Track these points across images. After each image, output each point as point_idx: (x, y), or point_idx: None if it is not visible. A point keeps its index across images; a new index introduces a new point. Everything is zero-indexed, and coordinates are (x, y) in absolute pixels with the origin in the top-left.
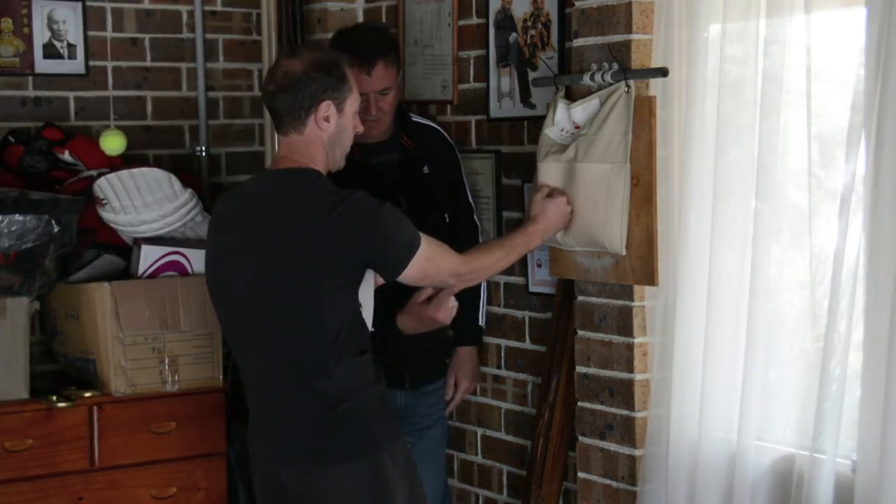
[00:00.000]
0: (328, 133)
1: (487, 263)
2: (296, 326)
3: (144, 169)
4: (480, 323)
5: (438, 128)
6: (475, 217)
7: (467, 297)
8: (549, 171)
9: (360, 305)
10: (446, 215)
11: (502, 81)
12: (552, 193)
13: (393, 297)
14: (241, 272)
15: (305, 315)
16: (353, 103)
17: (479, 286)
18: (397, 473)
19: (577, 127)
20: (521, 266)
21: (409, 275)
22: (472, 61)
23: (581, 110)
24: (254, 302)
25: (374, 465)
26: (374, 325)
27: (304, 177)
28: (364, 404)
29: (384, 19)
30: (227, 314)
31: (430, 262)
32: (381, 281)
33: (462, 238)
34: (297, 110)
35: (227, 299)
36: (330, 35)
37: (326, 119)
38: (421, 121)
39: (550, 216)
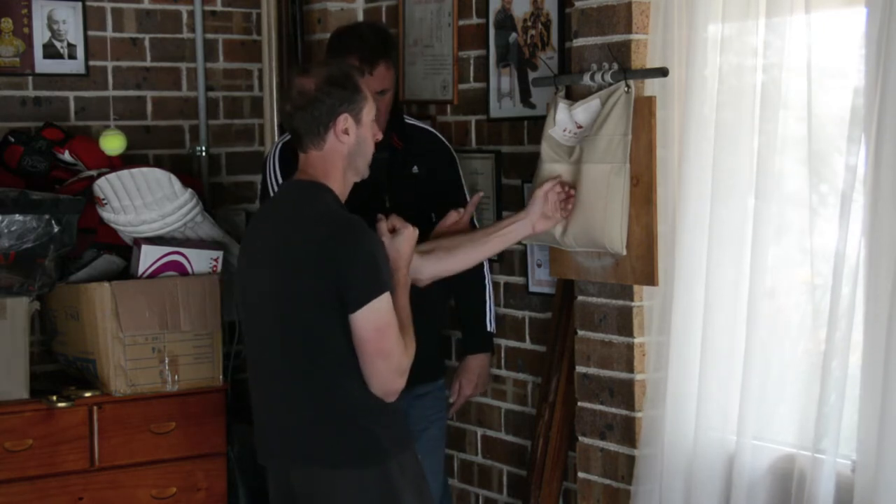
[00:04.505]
0: (348, 145)
1: (411, 349)
2: (306, 337)
3: (144, 169)
4: (490, 328)
5: (434, 131)
6: (475, 221)
7: (473, 302)
8: (551, 172)
9: None
10: (433, 215)
11: (502, 81)
12: (394, 229)
13: None
14: (257, 281)
15: (314, 325)
16: (369, 112)
17: (483, 289)
18: (406, 483)
19: (580, 127)
20: (521, 266)
21: (362, 320)
22: (472, 61)
23: (582, 111)
24: (267, 310)
25: (381, 473)
26: None
27: (313, 192)
28: (375, 412)
29: (384, 19)
30: (244, 319)
31: (389, 325)
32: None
33: None
34: (316, 127)
35: (245, 305)
36: (329, 35)
37: (345, 132)
38: (415, 122)
39: (406, 252)
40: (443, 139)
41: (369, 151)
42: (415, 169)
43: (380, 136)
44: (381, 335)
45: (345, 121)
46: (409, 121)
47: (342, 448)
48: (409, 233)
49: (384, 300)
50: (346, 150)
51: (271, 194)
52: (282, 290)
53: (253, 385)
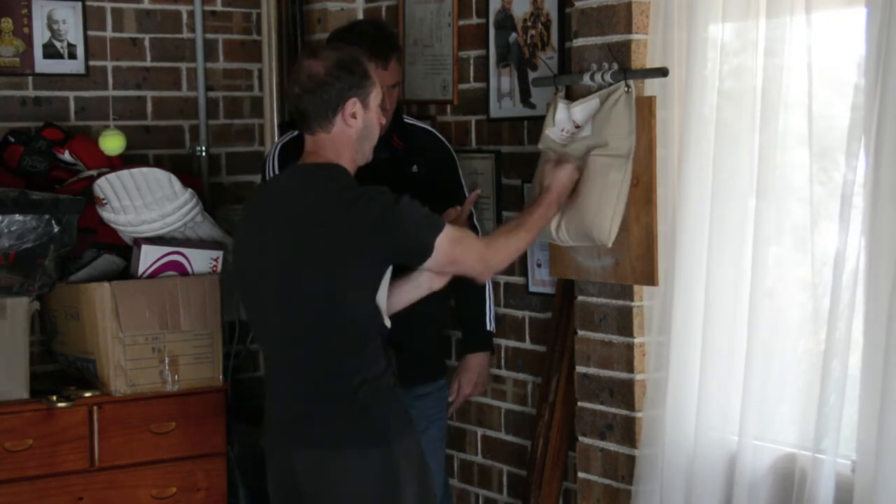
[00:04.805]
0: (356, 129)
1: (513, 247)
2: (316, 318)
3: (144, 169)
4: (489, 328)
5: (433, 130)
6: (475, 221)
7: (473, 301)
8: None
9: (376, 294)
10: None
11: (502, 81)
12: (560, 161)
13: None
14: (264, 263)
15: (326, 308)
16: (376, 97)
17: (484, 288)
18: (408, 467)
19: (578, 126)
20: (521, 266)
21: (437, 259)
22: (472, 61)
23: (581, 110)
24: (276, 292)
25: (385, 456)
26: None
27: (328, 172)
28: (380, 396)
29: (384, 19)
30: (250, 302)
31: (454, 247)
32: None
33: None
34: (325, 110)
35: (250, 288)
36: (328, 36)
37: (353, 116)
38: (414, 122)
39: (562, 182)
40: (442, 139)
41: (375, 136)
42: (415, 168)
43: (384, 121)
44: (455, 260)
45: (353, 105)
46: (409, 120)
47: (351, 433)
48: (572, 168)
49: (440, 240)
50: (354, 133)
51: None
52: (290, 271)
53: (266, 372)
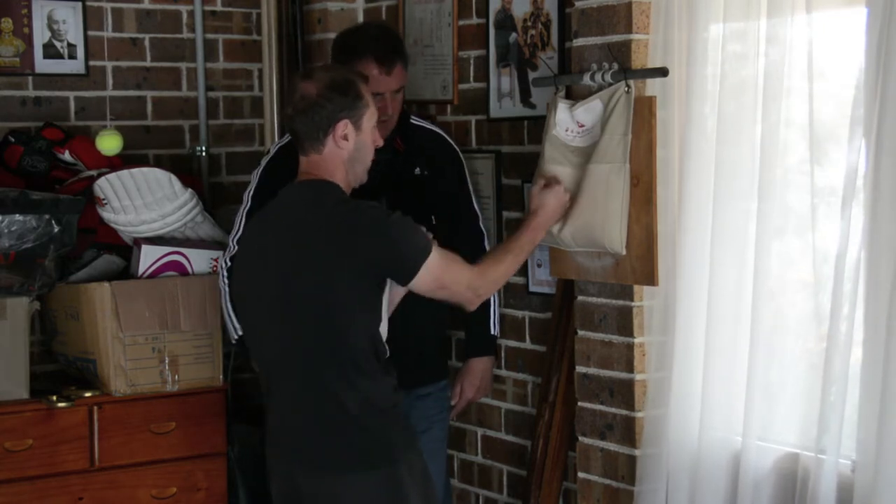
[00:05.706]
0: (347, 151)
1: (501, 272)
2: (317, 336)
3: (144, 169)
4: (493, 332)
5: (440, 131)
6: (481, 225)
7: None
8: (553, 172)
9: (380, 317)
10: (433, 217)
11: (502, 81)
12: (549, 184)
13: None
14: (264, 282)
15: (326, 325)
16: (369, 119)
17: None
18: (413, 484)
19: (582, 126)
20: (521, 266)
21: (423, 281)
22: (472, 61)
23: (583, 111)
24: (276, 310)
25: (390, 475)
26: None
27: (324, 188)
28: (383, 414)
29: (384, 19)
30: (249, 320)
31: (444, 270)
32: (398, 293)
33: (466, 247)
34: (316, 131)
35: (250, 306)
36: (330, 35)
37: (345, 137)
38: (422, 124)
39: (551, 206)
40: (449, 141)
41: (368, 158)
42: (417, 171)
43: (380, 143)
44: (442, 282)
45: (344, 126)
46: (417, 122)
47: (356, 453)
48: (559, 191)
49: (430, 260)
50: (346, 155)
51: (251, 194)
52: (294, 289)
53: (264, 390)
